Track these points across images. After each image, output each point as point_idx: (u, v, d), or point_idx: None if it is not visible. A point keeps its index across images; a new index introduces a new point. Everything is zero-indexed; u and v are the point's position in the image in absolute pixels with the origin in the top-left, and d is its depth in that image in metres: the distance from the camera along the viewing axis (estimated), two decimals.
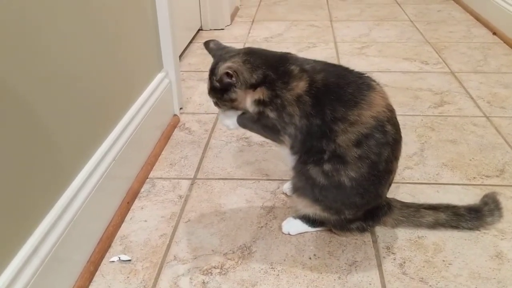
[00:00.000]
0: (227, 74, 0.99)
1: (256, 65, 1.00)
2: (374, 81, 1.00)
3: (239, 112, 1.07)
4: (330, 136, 0.95)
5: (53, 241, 0.89)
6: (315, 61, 1.03)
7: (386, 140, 0.96)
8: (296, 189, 1.04)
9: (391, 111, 0.98)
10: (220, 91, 1.03)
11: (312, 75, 0.98)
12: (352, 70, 1.02)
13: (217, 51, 1.08)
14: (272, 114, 0.99)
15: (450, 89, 1.83)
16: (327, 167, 0.97)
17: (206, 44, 1.11)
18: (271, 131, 1.03)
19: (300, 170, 1.01)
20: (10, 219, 0.79)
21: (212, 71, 1.04)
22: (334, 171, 0.97)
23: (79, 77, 1.00)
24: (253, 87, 1.00)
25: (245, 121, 1.07)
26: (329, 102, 0.95)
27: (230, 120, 1.09)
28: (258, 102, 1.00)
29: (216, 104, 1.08)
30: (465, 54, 2.19)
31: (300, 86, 0.97)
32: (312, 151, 0.99)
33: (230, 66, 0.99)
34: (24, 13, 0.81)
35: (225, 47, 1.09)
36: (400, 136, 1.00)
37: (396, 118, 1.00)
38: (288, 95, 0.97)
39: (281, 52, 1.06)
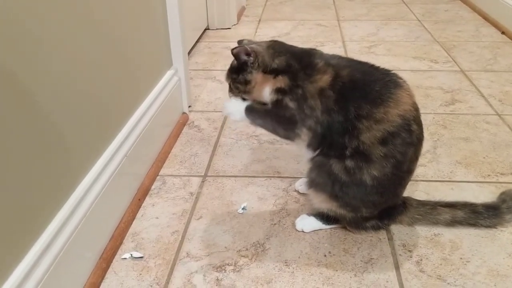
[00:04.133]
0: (246, 52, 0.99)
1: (279, 52, 1.00)
2: (401, 78, 0.98)
3: (247, 102, 1.04)
4: (353, 133, 0.93)
5: (66, 237, 0.87)
6: (340, 57, 1.02)
7: (411, 140, 0.95)
8: (313, 184, 1.01)
9: (417, 109, 0.97)
10: (236, 71, 1.02)
11: (337, 70, 0.96)
12: (378, 67, 1.00)
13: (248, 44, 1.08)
14: (291, 104, 0.97)
15: (460, 88, 1.81)
16: (349, 163, 0.95)
17: (239, 42, 1.11)
18: (287, 123, 0.99)
19: (321, 164, 0.99)
20: (23, 215, 0.78)
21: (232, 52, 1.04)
22: (356, 169, 0.95)
23: (89, 74, 0.99)
24: (274, 73, 0.99)
25: (254, 113, 1.03)
26: (354, 99, 0.93)
27: (236, 109, 1.04)
28: (278, 91, 0.98)
29: (230, 88, 1.06)
30: (474, 53, 2.17)
31: (324, 79, 0.95)
32: (333, 146, 0.97)
33: (251, 46, 1.00)
34: (35, 13, 0.80)
35: (255, 41, 1.09)
36: (423, 136, 0.99)
37: (420, 117, 0.98)
38: (311, 87, 0.95)
39: (308, 48, 1.05)
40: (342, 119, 0.94)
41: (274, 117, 1.01)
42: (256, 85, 1.01)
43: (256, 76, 1.00)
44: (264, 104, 1.03)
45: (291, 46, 1.04)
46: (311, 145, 1.00)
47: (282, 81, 0.98)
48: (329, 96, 0.95)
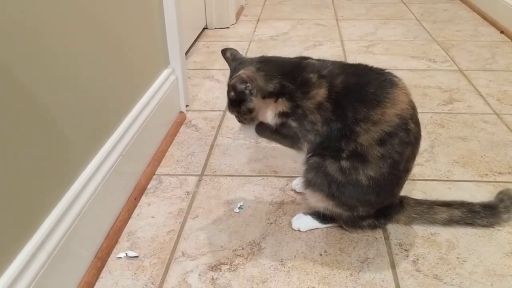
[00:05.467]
0: (241, 80, 0.96)
1: (271, 74, 0.97)
2: (396, 77, 0.97)
3: (256, 123, 1.05)
4: (351, 137, 0.93)
5: (60, 236, 0.87)
6: (332, 63, 1.00)
7: (409, 139, 0.94)
8: (310, 184, 1.01)
9: (414, 108, 0.96)
10: (238, 104, 1.00)
11: (331, 80, 0.95)
12: (372, 67, 0.99)
13: (232, 62, 1.05)
14: (294, 124, 0.98)
15: (459, 87, 1.81)
16: (344, 164, 0.95)
17: (223, 52, 1.09)
18: (291, 139, 1.01)
19: (317, 165, 0.98)
20: (17, 212, 0.77)
21: (228, 85, 1.02)
22: (352, 169, 0.94)
23: (85, 72, 0.99)
24: (273, 96, 0.97)
25: (263, 130, 1.05)
26: (351, 104, 0.93)
27: (249, 131, 1.08)
28: (281, 114, 0.98)
29: (239, 120, 1.06)
30: (473, 52, 2.16)
31: (320, 93, 0.95)
32: (329, 149, 0.96)
33: (242, 73, 0.96)
34: (34, 14, 0.79)
35: (240, 58, 1.06)
36: (420, 135, 0.99)
37: (417, 115, 0.97)
38: (309, 103, 0.95)
39: (296, 59, 1.03)
40: (340, 125, 0.94)
41: (278, 135, 1.03)
42: (260, 110, 1.00)
43: (257, 102, 0.99)
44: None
45: (280, 63, 1.02)
46: (309, 151, 1.01)
47: (283, 105, 0.97)
48: (327, 108, 0.94)
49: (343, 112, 0.93)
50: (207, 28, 2.56)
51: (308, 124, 0.96)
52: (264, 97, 0.98)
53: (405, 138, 0.93)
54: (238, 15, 2.75)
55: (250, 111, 1.00)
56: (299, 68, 0.99)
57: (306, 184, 1.02)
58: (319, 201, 1.02)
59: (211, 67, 2.06)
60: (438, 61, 2.07)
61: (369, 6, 2.97)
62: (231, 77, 1.02)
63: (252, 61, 1.02)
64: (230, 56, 1.07)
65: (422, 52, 2.17)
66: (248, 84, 0.96)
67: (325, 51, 2.21)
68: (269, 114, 1.00)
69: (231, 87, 0.98)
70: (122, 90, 1.19)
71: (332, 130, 0.95)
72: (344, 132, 0.93)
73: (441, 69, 1.98)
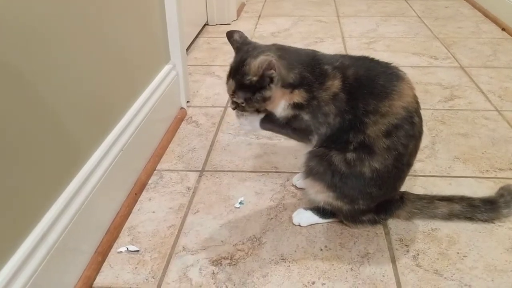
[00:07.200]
0: (270, 66, 0.90)
1: (292, 63, 0.95)
2: (401, 70, 0.98)
3: (261, 115, 1.02)
4: (360, 128, 0.93)
5: (60, 230, 0.87)
6: (341, 56, 1.01)
7: (413, 133, 0.95)
8: (312, 173, 1.00)
9: (417, 102, 0.97)
10: (252, 90, 0.94)
11: (344, 71, 0.95)
12: (378, 60, 1.00)
13: (242, 46, 0.99)
14: (306, 117, 0.96)
15: (460, 84, 1.81)
16: (350, 155, 0.95)
17: (230, 34, 1.02)
18: (302, 132, 0.99)
19: (322, 154, 0.98)
20: (18, 207, 0.78)
21: (238, 69, 0.94)
22: (358, 160, 0.95)
23: (86, 68, 0.99)
24: (290, 87, 0.94)
25: (270, 125, 1.02)
26: (362, 96, 0.93)
27: (251, 125, 1.03)
28: (295, 106, 0.96)
29: (239, 106, 0.98)
30: (474, 49, 2.16)
31: (335, 84, 0.94)
32: (336, 141, 0.97)
33: (271, 58, 0.90)
34: (34, 10, 0.79)
35: (251, 42, 1.00)
36: (422, 129, 0.99)
37: (420, 110, 0.98)
38: (325, 95, 0.94)
39: (309, 50, 1.01)
40: (351, 117, 0.94)
41: (289, 129, 1.00)
42: (274, 100, 0.96)
43: (276, 91, 0.94)
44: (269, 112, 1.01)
45: (298, 53, 0.99)
46: (317, 145, 1.00)
47: (299, 96, 0.95)
48: (341, 99, 0.94)
49: (355, 103, 0.94)
50: (208, 25, 2.56)
51: (322, 116, 0.95)
52: (282, 87, 0.94)
53: (410, 131, 0.94)
54: (239, 11, 2.75)
55: (265, 100, 0.94)
56: (315, 59, 0.98)
57: (307, 173, 1.01)
58: (318, 192, 1.01)
59: (212, 63, 2.06)
60: (440, 58, 2.07)
61: (370, 3, 2.97)
62: (244, 60, 0.93)
63: (269, 48, 0.97)
64: (239, 39, 1.01)
65: (424, 49, 2.17)
66: (273, 71, 0.91)
67: (326, 47, 2.20)
68: (282, 104, 0.96)
69: (257, 70, 0.90)
70: (122, 86, 1.19)
71: (345, 121, 0.95)
72: (354, 123, 0.94)
73: (442, 66, 1.98)
